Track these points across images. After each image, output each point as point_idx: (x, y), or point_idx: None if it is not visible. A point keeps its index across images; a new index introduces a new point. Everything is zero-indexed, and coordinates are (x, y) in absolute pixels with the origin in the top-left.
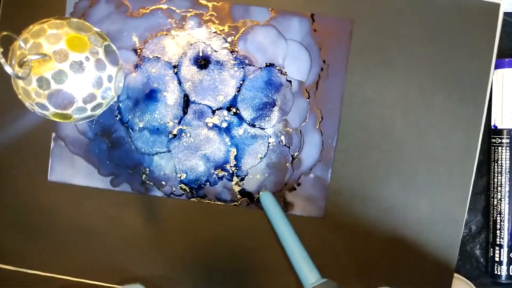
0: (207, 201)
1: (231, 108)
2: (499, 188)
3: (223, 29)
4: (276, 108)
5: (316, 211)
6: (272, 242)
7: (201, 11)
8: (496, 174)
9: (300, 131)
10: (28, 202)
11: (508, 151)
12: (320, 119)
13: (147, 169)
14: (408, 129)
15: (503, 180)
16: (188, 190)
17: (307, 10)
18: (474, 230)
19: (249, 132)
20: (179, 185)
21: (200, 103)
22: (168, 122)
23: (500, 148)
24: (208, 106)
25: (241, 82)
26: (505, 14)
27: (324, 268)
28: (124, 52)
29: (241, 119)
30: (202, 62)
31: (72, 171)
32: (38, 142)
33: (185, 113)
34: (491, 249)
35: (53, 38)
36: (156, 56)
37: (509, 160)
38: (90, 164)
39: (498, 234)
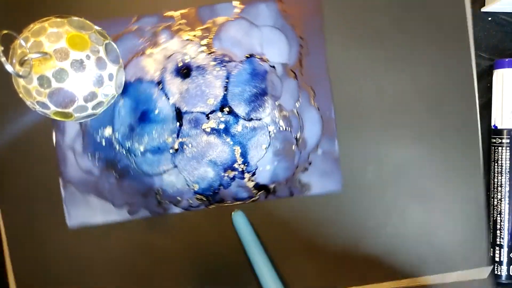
0: (226, 204)
1: (224, 108)
2: (499, 188)
3: (196, 34)
4: (267, 96)
5: (333, 185)
6: (298, 228)
7: (169, 23)
8: (496, 174)
9: (297, 111)
10: (52, 252)
11: (508, 151)
12: (313, 95)
13: (159, 189)
14: (400, 83)
15: (503, 180)
16: (205, 199)
17: None
18: None
19: (247, 127)
20: (195, 197)
21: (192, 112)
22: (167, 139)
23: (500, 148)
24: (201, 112)
25: (227, 80)
26: (505, 14)
27: (349, 243)
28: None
29: (236, 116)
30: (184, 71)
31: (88, 211)
32: (48, 192)
33: (180, 125)
34: (491, 249)
35: (54, 36)
36: (138, 78)
37: (509, 160)
38: (103, 200)
39: (498, 234)
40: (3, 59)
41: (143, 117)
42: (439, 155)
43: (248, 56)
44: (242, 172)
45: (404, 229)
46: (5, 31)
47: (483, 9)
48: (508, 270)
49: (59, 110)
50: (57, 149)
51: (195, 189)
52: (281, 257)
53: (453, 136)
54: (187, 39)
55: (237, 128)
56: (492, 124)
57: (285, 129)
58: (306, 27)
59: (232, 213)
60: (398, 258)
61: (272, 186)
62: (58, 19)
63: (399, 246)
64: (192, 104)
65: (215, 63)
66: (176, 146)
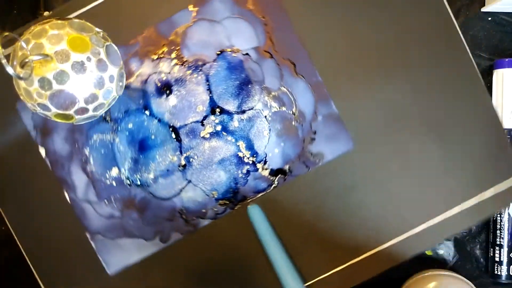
0: (249, 200)
1: (215, 110)
2: None
3: (163, 51)
4: (251, 84)
5: (344, 146)
6: (325, 203)
7: (135, 49)
8: None
9: (284, 87)
10: None
11: None
12: (293, 66)
13: (182, 208)
14: (375, 26)
15: None
16: (228, 202)
17: None
18: (474, 230)
19: (243, 119)
20: (218, 204)
21: (186, 124)
22: (172, 159)
23: None
24: (194, 122)
25: (208, 83)
26: (505, 14)
27: (371, 198)
28: (102, 123)
29: (228, 113)
30: (165, 89)
31: (124, 254)
32: (80, 246)
33: (180, 141)
34: (491, 249)
35: (55, 38)
36: (125, 111)
37: None
38: (134, 238)
39: (498, 234)
40: (4, 61)
41: (142, 146)
42: (437, 83)
43: (219, 52)
44: (254, 164)
45: (427, 164)
46: (6, 33)
47: (483, 9)
48: (508, 270)
49: (60, 112)
50: (73, 206)
51: (216, 196)
52: (308, 240)
53: (446, 63)
54: (157, 58)
55: (234, 124)
56: None
57: (279, 108)
58: (264, 5)
59: (247, 207)
60: (430, 193)
61: (286, 167)
62: (59, 21)
63: (427, 181)
64: (183, 117)
65: (190, 71)
66: (183, 162)
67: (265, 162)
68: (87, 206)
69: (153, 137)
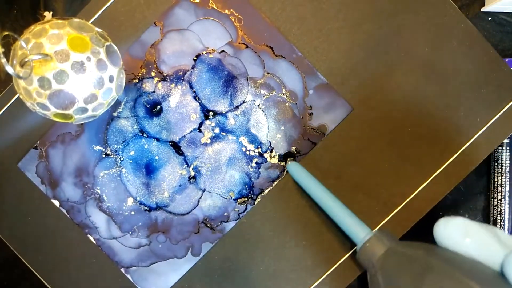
0: (267, 191)
1: (208, 114)
2: (499, 188)
3: (141, 72)
4: (235, 79)
5: (344, 111)
6: (343, 168)
7: None
8: (496, 174)
9: (268, 72)
10: None
11: (508, 151)
12: (270, 49)
13: (205, 218)
14: None
15: (503, 180)
16: (247, 199)
17: None
18: None
19: (238, 115)
20: (237, 203)
21: (185, 136)
22: (181, 173)
23: (500, 148)
24: (191, 131)
25: (193, 90)
26: (505, 14)
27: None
28: (105, 159)
29: (222, 114)
30: (156, 109)
31: (161, 278)
32: (118, 282)
33: (183, 154)
34: None
35: (55, 38)
36: (122, 141)
37: (509, 160)
38: (167, 260)
39: None
40: (4, 60)
41: (149, 169)
42: (421, 20)
43: (196, 58)
44: (261, 154)
45: (430, 103)
46: (6, 32)
47: (483, 9)
48: None
49: (59, 111)
50: (100, 246)
51: (233, 197)
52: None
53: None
54: (139, 81)
55: (231, 122)
56: None
57: (270, 94)
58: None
59: (287, 165)
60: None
61: (293, 148)
62: (59, 21)
63: (440, 113)
64: (179, 130)
65: (174, 83)
66: (192, 173)
67: (271, 150)
68: (114, 242)
69: (157, 157)
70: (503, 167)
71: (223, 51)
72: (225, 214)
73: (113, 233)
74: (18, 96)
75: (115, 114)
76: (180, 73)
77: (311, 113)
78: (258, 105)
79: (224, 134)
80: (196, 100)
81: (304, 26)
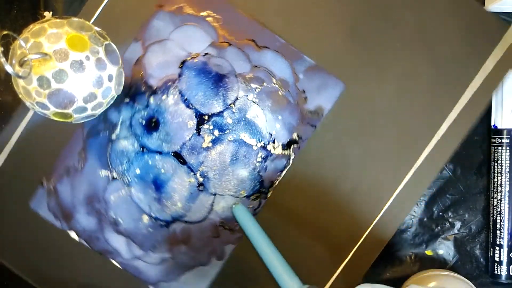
0: (277, 183)
1: (203, 118)
2: (499, 188)
3: (130, 90)
4: (224, 78)
5: (336, 90)
6: (349, 144)
7: None
8: (496, 174)
9: (255, 65)
10: None
11: (508, 151)
12: (253, 42)
13: (222, 221)
14: None
15: (503, 180)
16: (259, 194)
17: (152, 7)
18: (474, 230)
19: (234, 112)
20: (250, 200)
21: (185, 143)
22: (189, 181)
23: (500, 148)
24: (191, 137)
25: (185, 98)
26: (505, 14)
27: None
28: (112, 182)
29: (217, 115)
30: (153, 123)
31: (192, 287)
32: None
33: (186, 162)
34: (491, 249)
35: (54, 37)
36: (126, 161)
37: (509, 160)
38: (193, 269)
39: (498, 234)
40: (3, 59)
41: (157, 184)
42: None
43: (181, 65)
44: (264, 147)
45: (418, 72)
46: (5, 32)
47: None
48: (508, 270)
49: (59, 110)
50: (126, 269)
51: (245, 194)
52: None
53: None
54: (130, 100)
55: (228, 121)
56: (492, 124)
57: (261, 86)
58: (199, 3)
59: (233, 206)
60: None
61: (294, 135)
62: (58, 20)
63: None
64: (179, 139)
65: (165, 95)
66: (200, 180)
67: (273, 142)
68: (138, 262)
69: (162, 171)
70: (503, 167)
71: (207, 53)
72: None
73: (135, 253)
74: (18, 137)
75: (113, 136)
76: (169, 83)
77: (305, 97)
78: (252, 99)
79: (223, 135)
80: (189, 107)
81: (285, 12)
